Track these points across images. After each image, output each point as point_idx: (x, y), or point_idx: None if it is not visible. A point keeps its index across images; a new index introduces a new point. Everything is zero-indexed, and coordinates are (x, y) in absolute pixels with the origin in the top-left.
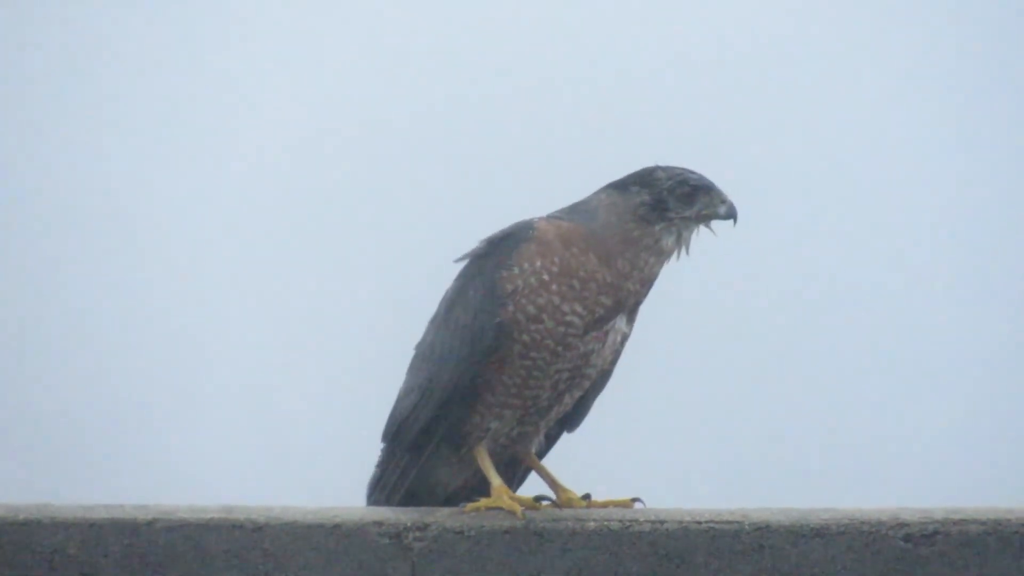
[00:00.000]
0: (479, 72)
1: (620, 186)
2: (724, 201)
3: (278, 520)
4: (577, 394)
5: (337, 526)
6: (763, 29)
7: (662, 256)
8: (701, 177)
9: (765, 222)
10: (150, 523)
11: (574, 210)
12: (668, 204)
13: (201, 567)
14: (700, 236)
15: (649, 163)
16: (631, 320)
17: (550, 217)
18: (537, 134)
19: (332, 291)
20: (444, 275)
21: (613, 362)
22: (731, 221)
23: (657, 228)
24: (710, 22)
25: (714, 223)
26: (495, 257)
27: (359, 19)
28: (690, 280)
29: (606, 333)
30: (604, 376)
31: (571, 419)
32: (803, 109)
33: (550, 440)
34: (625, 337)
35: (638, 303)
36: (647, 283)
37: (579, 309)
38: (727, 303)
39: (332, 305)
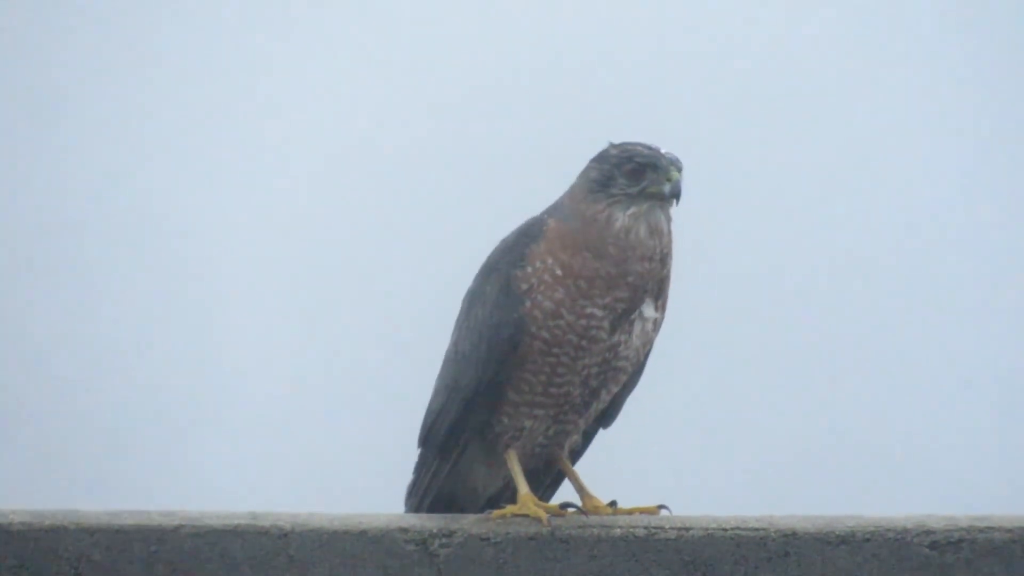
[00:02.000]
0: (499, 75)
1: (585, 166)
2: (669, 179)
3: (304, 527)
4: (614, 388)
5: (363, 532)
6: (771, 18)
7: (634, 229)
8: (652, 154)
9: (797, 228)
10: (176, 529)
11: (553, 209)
12: (616, 180)
13: (227, 573)
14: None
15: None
16: (660, 306)
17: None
18: (560, 136)
19: (360, 298)
20: (470, 279)
21: (646, 352)
22: (673, 201)
23: (604, 204)
24: (716, 17)
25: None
26: (510, 255)
27: (373, 23)
28: (717, 286)
29: (632, 322)
30: (637, 372)
31: (605, 415)
32: (818, 108)
33: (587, 437)
34: (656, 323)
35: (661, 284)
36: (650, 259)
37: (598, 302)
38: (756, 310)
39: (361, 311)
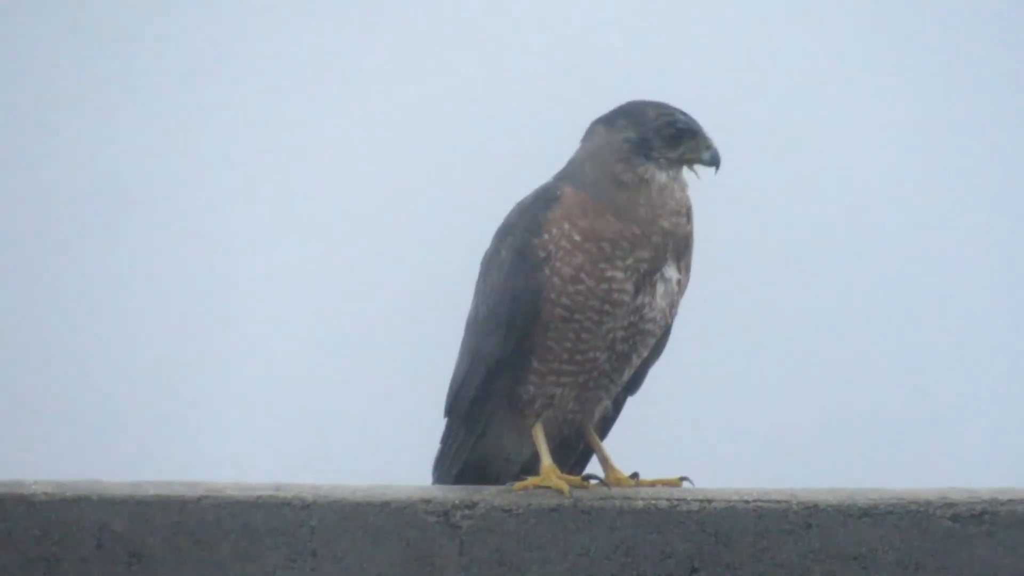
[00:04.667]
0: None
1: (609, 120)
2: (709, 147)
3: (326, 498)
4: (644, 352)
5: (385, 504)
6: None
7: (670, 187)
8: (689, 119)
9: (825, 201)
10: (198, 500)
11: (568, 175)
12: (653, 144)
13: (249, 544)
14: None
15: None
16: (684, 267)
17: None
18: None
19: (385, 263)
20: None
21: (673, 315)
22: (713, 168)
23: (641, 168)
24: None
25: (700, 169)
26: (524, 219)
27: (386, 22)
28: (741, 258)
29: (654, 284)
30: (663, 337)
31: (631, 382)
32: (822, 86)
33: (616, 405)
34: (680, 284)
35: (686, 242)
36: (678, 212)
37: (619, 264)
38: (779, 281)
39: (385, 276)
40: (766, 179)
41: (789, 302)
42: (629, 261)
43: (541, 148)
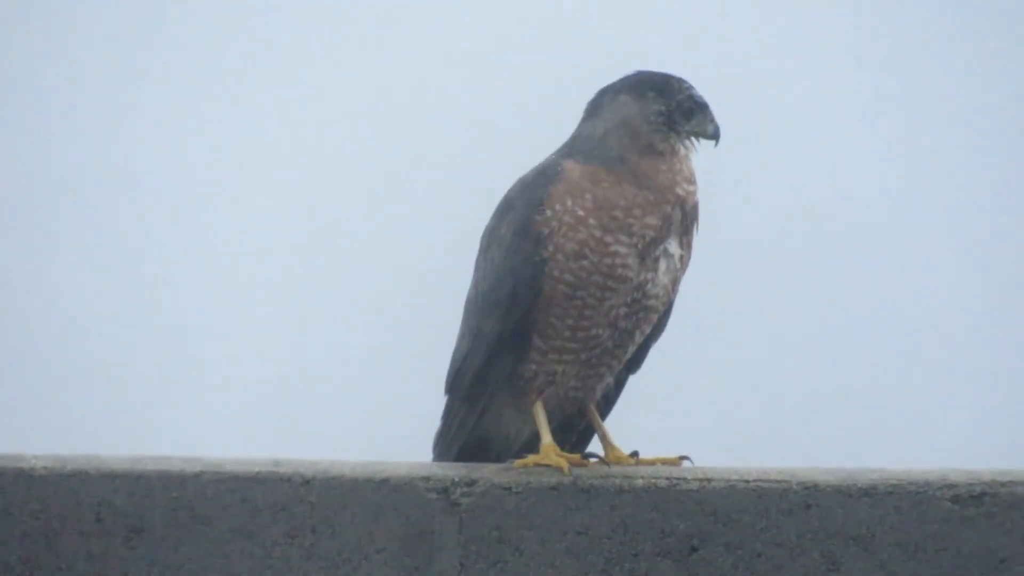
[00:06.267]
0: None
1: (635, 91)
2: (712, 121)
3: (325, 474)
4: (647, 329)
5: (384, 481)
6: None
7: (688, 158)
8: (700, 95)
9: (820, 178)
10: (197, 475)
11: (577, 149)
12: (675, 116)
13: (248, 520)
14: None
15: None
16: (686, 243)
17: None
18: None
19: (386, 237)
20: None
21: (675, 291)
22: (714, 142)
23: (671, 138)
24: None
25: (702, 142)
26: (526, 195)
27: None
28: (743, 237)
29: (656, 260)
30: (664, 315)
31: (632, 360)
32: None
33: (618, 385)
34: (682, 260)
35: (692, 215)
36: (690, 180)
37: (623, 239)
38: (781, 260)
39: (386, 252)
40: (759, 160)
41: (792, 282)
42: (636, 228)
43: (533, 126)
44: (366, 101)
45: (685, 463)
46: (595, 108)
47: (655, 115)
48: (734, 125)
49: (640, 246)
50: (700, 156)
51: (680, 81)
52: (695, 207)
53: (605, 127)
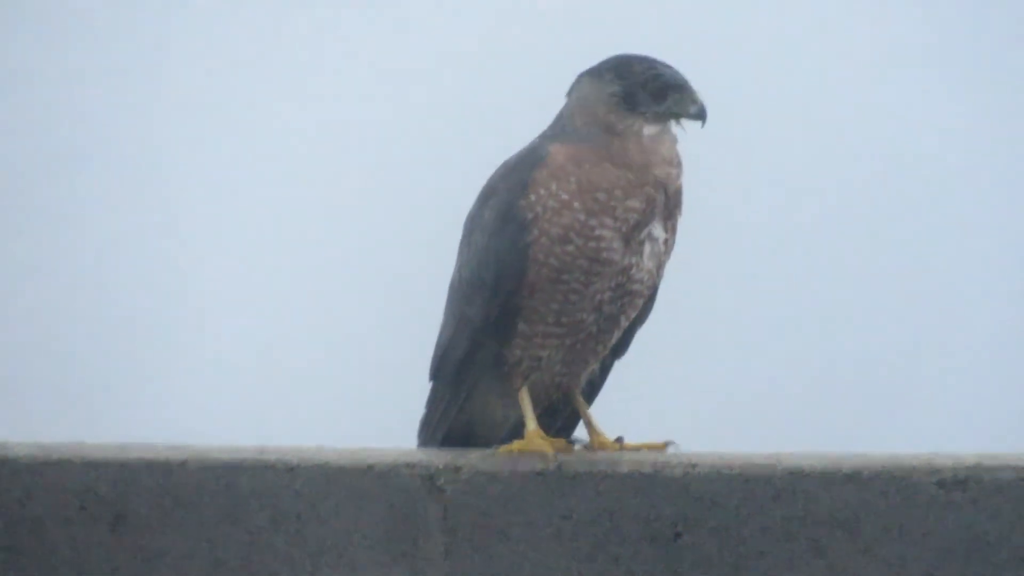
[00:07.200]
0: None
1: (596, 72)
2: (695, 101)
3: (310, 461)
4: (632, 313)
5: (369, 468)
6: None
7: (660, 139)
8: (675, 73)
9: (804, 161)
10: (182, 463)
11: (557, 132)
12: (639, 98)
13: (233, 507)
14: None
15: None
16: (671, 227)
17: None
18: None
19: (369, 222)
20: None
21: (660, 276)
22: (700, 123)
23: (632, 120)
24: None
25: (687, 124)
26: (509, 180)
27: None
28: (725, 220)
29: (641, 243)
30: (649, 300)
31: (618, 346)
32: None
33: (604, 370)
34: (667, 244)
35: (676, 198)
36: (671, 163)
37: (608, 222)
38: (763, 243)
39: (368, 236)
40: (751, 143)
41: (774, 267)
42: (619, 211)
43: (524, 106)
44: (350, 89)
45: (670, 449)
46: (570, 90)
47: (609, 96)
48: (725, 107)
49: (624, 229)
50: (684, 137)
51: (644, 60)
52: (678, 191)
53: (571, 109)
